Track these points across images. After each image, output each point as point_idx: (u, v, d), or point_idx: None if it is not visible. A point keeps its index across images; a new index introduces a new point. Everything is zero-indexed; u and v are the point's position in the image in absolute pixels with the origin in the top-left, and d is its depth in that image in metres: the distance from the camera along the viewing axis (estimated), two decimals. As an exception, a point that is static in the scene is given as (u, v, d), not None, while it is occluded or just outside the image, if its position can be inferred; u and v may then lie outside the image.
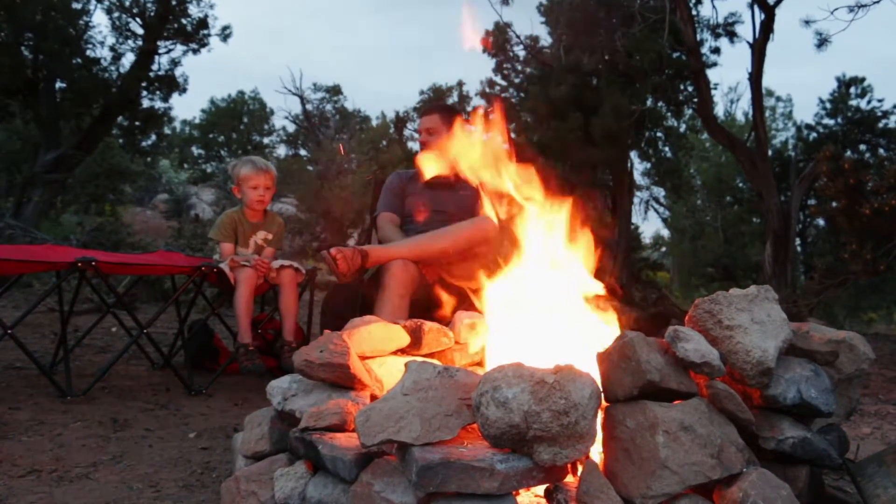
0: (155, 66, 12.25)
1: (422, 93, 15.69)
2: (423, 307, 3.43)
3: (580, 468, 1.80)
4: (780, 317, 2.04)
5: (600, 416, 1.87)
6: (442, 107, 4.47)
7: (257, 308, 5.01)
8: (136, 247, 9.96)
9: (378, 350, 2.45)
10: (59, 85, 11.39)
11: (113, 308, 4.65)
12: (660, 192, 21.67)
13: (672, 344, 1.90)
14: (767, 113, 23.51)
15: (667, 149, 13.93)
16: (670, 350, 1.91)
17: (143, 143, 15.32)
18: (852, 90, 15.64)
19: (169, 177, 26.09)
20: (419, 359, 2.17)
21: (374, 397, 2.24)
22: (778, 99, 25.73)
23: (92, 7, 11.54)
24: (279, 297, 4.22)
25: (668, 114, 12.81)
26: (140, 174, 21.43)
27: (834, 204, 8.55)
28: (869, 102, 15.23)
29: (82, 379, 4.12)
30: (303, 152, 30.08)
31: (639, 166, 14.23)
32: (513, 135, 12.89)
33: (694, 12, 10.88)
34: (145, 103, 12.78)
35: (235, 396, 4.13)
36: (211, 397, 4.07)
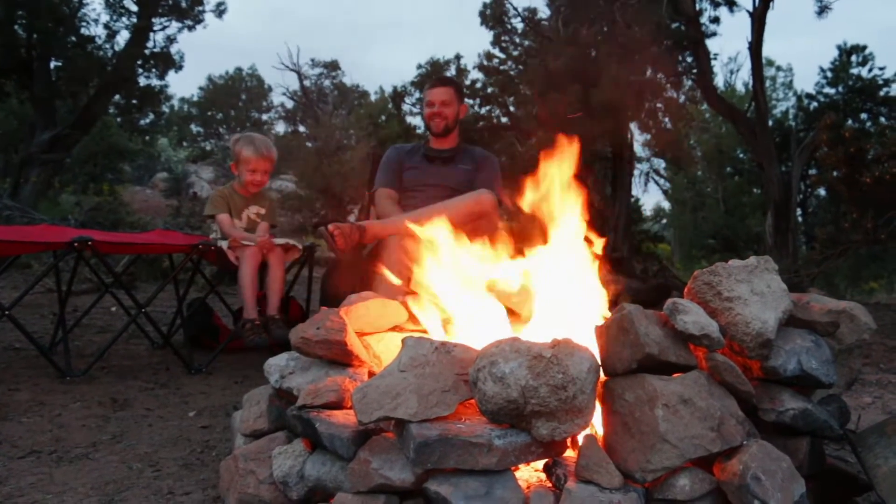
0: (150, 44, 12.20)
1: (419, 67, 15.56)
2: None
3: (579, 442, 1.79)
4: (779, 287, 2.02)
5: (599, 389, 1.85)
6: (454, 81, 4.43)
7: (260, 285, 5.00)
8: (135, 226, 9.95)
9: (376, 326, 2.44)
10: (53, 64, 11.33)
11: (111, 287, 4.64)
12: (660, 163, 21.61)
13: (671, 316, 1.88)
14: (768, 83, 23.35)
15: (667, 120, 13.85)
16: (669, 323, 1.89)
17: (141, 122, 15.30)
18: (853, 58, 15.55)
19: (168, 155, 26.02)
20: (416, 335, 2.16)
21: (372, 374, 2.23)
22: (778, 68, 25.60)
23: (85, -16, 11.45)
24: (267, 274, 4.18)
25: (668, 85, 12.72)
26: (138, 153, 21.40)
27: (835, 173, 8.53)
28: (870, 71, 15.14)
29: (81, 359, 4.11)
30: (301, 128, 30.01)
31: (639, 138, 14.15)
32: (511, 108, 12.84)
33: (693, -19, 10.76)
34: (141, 81, 12.75)
35: (235, 374, 4.13)
36: (211, 375, 4.07)
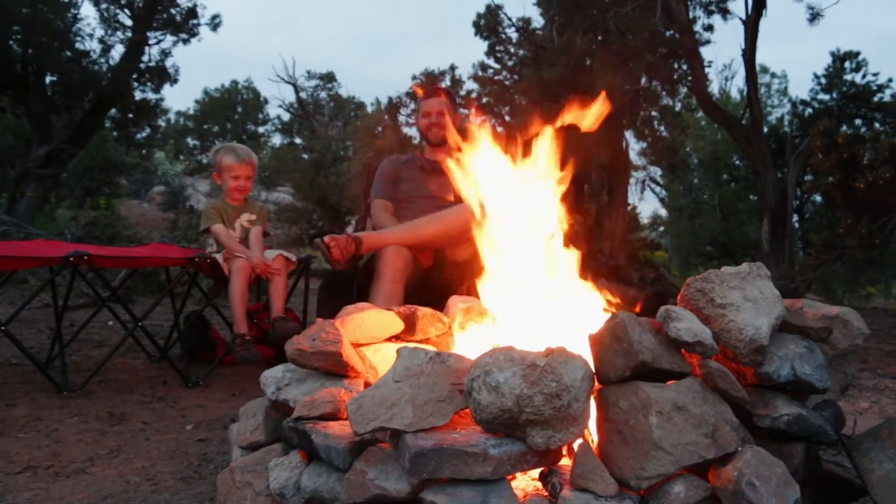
0: (145, 58, 12.23)
1: (414, 78, 15.61)
2: (417, 293, 3.43)
3: (575, 450, 1.79)
4: (772, 294, 2.02)
5: (593, 398, 1.86)
6: (445, 89, 4.46)
7: (253, 297, 5.00)
8: (132, 240, 9.94)
9: (372, 337, 2.44)
10: (49, 79, 11.35)
11: (108, 302, 4.64)
12: (656, 171, 21.65)
13: (664, 324, 1.89)
14: (762, 89, 23.44)
15: (662, 128, 13.90)
16: (662, 330, 1.90)
17: (138, 136, 15.29)
18: (847, 64, 15.60)
19: (164, 168, 26.06)
20: (411, 345, 2.16)
21: (367, 385, 2.23)
22: (773, 75, 25.68)
23: (79, -1, 11.48)
24: (270, 282, 4.21)
25: (663, 93, 12.77)
26: (135, 167, 21.42)
27: (829, 179, 8.55)
28: (864, 77, 15.19)
29: (79, 374, 4.11)
30: (298, 140, 30.05)
31: (634, 146, 14.19)
32: (507, 118, 12.88)
33: (686, -11, 10.80)
34: (137, 95, 12.76)
35: (233, 387, 4.13)
36: (208, 388, 4.07)
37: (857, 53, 15.56)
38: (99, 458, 2.78)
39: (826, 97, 15.31)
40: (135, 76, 12.24)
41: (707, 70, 10.62)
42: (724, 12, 11.21)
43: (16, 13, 10.05)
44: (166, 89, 13.27)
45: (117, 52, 12.08)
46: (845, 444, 2.12)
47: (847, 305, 2.33)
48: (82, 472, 2.62)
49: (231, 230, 4.27)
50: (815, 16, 9.82)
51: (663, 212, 27.20)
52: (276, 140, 32.92)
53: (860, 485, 2.02)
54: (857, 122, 14.18)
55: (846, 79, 15.34)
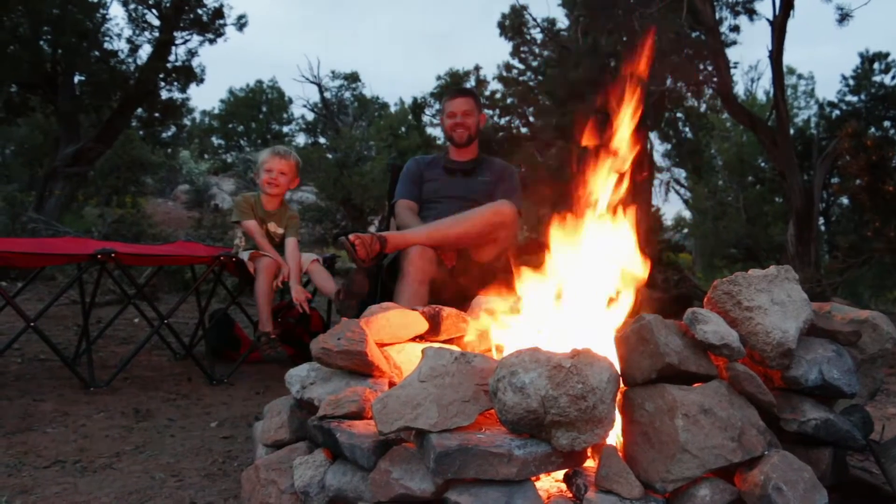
0: (172, 57, 12.29)
1: (439, 78, 15.64)
2: (441, 293, 3.43)
3: (600, 452, 1.79)
4: (800, 297, 2.00)
5: (619, 399, 1.85)
6: (473, 91, 4.47)
7: (277, 296, 5.02)
8: (158, 238, 10.02)
9: (396, 337, 2.44)
10: (77, 78, 11.45)
11: (134, 299, 4.68)
12: (680, 173, 21.51)
13: (691, 326, 1.88)
14: (789, 91, 23.19)
15: (687, 129, 13.82)
16: (689, 332, 1.89)
17: (163, 135, 15.40)
18: (876, 66, 15.40)
19: (189, 167, 26.21)
20: (436, 345, 2.16)
21: (392, 384, 2.24)
22: (800, 77, 25.39)
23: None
24: (312, 281, 4.28)
25: (688, 94, 12.68)
26: (160, 165, 21.58)
27: (857, 182, 8.45)
28: (893, 78, 14.98)
29: (105, 370, 4.15)
30: (322, 140, 30.15)
31: (659, 147, 14.11)
32: (531, 118, 12.85)
33: (712, -10, 10.72)
34: (163, 94, 12.83)
35: (257, 385, 4.15)
36: (232, 386, 4.09)
37: (887, 54, 15.36)
38: (125, 453, 2.81)
39: (854, 99, 15.12)
40: (161, 76, 12.31)
41: (733, 71, 10.54)
42: (751, 13, 11.10)
43: (46, 14, 10.15)
44: (192, 89, 13.36)
45: (144, 51, 12.18)
46: (874, 450, 2.10)
47: (874, 310, 2.30)
48: (109, 467, 2.64)
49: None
50: (844, 16, 9.69)
51: (687, 214, 27.00)
52: (301, 140, 33.06)
53: (889, 491, 2.00)
54: (886, 124, 13.98)
55: (875, 80, 15.14)
